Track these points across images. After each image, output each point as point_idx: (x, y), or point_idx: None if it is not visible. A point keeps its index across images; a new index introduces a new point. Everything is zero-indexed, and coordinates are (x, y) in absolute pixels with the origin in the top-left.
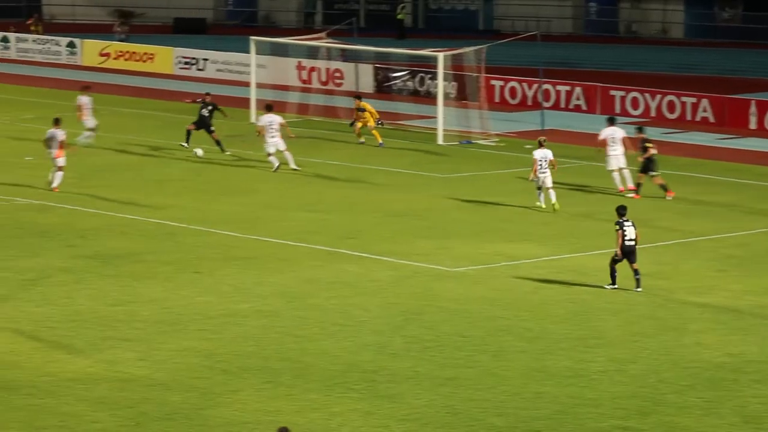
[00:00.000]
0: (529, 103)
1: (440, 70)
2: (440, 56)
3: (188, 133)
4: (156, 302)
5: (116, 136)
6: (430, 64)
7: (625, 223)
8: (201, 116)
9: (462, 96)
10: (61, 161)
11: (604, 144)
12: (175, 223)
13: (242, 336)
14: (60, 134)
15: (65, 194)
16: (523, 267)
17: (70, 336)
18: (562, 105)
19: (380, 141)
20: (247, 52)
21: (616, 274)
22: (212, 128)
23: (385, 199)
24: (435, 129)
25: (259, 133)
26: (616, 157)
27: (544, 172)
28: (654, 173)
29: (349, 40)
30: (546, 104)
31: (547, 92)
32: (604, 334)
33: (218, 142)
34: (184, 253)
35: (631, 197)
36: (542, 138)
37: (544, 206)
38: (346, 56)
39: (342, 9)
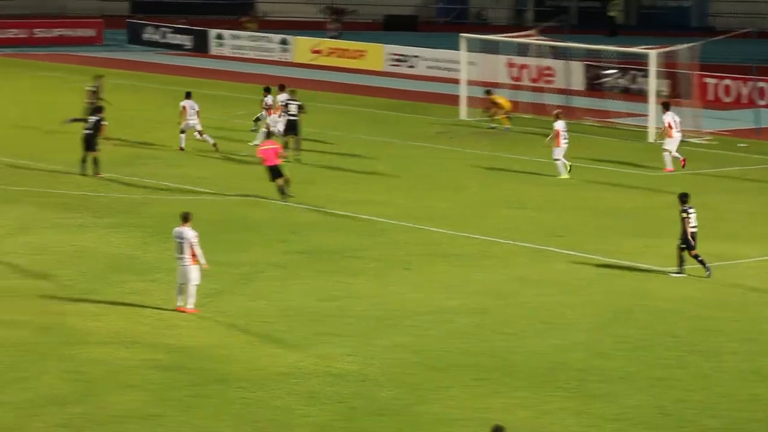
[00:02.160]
0: (744, 101)
1: (652, 68)
2: (652, 54)
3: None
4: (367, 298)
5: (327, 133)
6: (641, 61)
7: (690, 210)
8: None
9: (674, 94)
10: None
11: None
12: (385, 220)
13: (452, 333)
14: (196, 106)
15: (277, 191)
16: (735, 267)
17: (282, 330)
18: None
19: (507, 126)
20: (458, 49)
21: (684, 261)
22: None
23: (593, 197)
24: (646, 127)
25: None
26: (678, 139)
27: (567, 142)
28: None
29: (560, 37)
30: (761, 102)
31: (761, 90)
32: None
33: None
34: (395, 250)
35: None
36: (558, 111)
37: (568, 176)
38: (557, 53)
39: (553, 6)
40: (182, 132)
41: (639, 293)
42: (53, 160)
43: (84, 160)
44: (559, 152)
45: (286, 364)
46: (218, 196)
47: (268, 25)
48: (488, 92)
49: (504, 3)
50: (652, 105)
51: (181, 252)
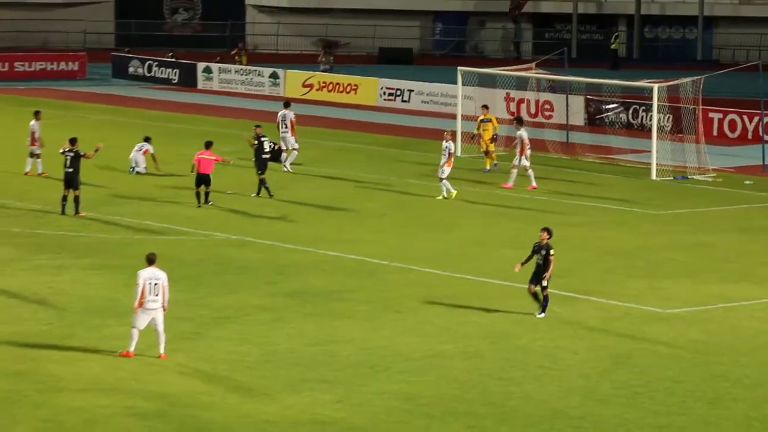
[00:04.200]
0: (750, 136)
1: (655, 102)
2: (655, 87)
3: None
4: (356, 342)
5: (318, 169)
6: (644, 95)
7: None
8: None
9: (677, 129)
10: (38, 151)
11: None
12: (376, 260)
13: (445, 378)
14: (36, 126)
15: (264, 231)
16: (741, 309)
17: (267, 376)
18: None
19: (494, 162)
20: (454, 82)
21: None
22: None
23: (595, 237)
24: (649, 163)
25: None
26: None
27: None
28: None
29: (560, 71)
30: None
31: None
32: None
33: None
34: (386, 292)
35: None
36: (452, 131)
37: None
38: (556, 87)
39: (553, 38)
40: (31, 155)
41: (640, 337)
42: (32, 199)
43: (65, 199)
44: (448, 172)
45: (271, 412)
46: (203, 236)
47: (259, 59)
48: (485, 107)
49: (501, 36)
50: (655, 141)
51: (156, 294)
